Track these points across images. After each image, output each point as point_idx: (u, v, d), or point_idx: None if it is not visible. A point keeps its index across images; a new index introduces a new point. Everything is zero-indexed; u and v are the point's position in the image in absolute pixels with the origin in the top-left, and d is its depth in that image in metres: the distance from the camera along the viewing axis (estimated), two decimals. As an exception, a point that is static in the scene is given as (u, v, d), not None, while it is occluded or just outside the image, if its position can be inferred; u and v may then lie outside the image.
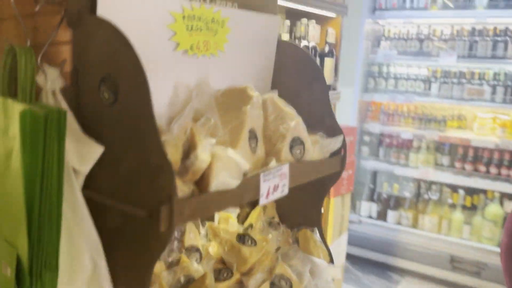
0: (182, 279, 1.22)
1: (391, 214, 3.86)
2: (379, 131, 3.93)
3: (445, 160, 3.75)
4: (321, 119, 1.43)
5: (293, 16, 2.37)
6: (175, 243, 1.33)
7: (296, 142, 1.25)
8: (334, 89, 2.46)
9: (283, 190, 1.17)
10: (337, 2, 2.35)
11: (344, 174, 2.73)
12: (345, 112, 3.75)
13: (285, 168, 1.15)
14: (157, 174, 0.86)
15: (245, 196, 1.04)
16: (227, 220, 1.46)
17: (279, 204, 1.58)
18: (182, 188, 0.93)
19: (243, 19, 1.35)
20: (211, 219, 1.44)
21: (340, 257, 2.90)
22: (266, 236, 1.43)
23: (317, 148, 1.32)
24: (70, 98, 0.98)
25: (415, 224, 3.80)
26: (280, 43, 1.49)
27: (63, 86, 0.98)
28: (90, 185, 0.96)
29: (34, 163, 0.85)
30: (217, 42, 1.28)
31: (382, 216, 3.92)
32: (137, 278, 0.94)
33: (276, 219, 1.57)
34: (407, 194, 3.94)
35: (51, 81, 0.96)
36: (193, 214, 0.90)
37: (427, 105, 3.85)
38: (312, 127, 1.40)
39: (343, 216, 2.81)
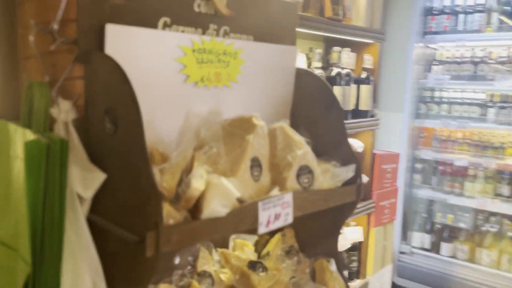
0: (190, 304, 1.25)
1: (445, 246, 3.64)
2: (432, 158, 3.76)
3: (505, 189, 3.50)
4: (337, 147, 1.42)
5: (329, 42, 2.38)
6: (188, 268, 1.36)
7: (304, 170, 1.25)
8: (373, 116, 2.42)
9: (287, 219, 1.17)
10: (374, 29, 2.33)
11: (386, 203, 2.64)
12: (393, 138, 3.64)
13: (288, 197, 1.15)
14: (146, 201, 0.90)
15: (241, 224, 1.05)
16: (242, 247, 1.47)
17: (298, 232, 1.57)
18: (175, 215, 0.96)
19: (258, 50, 1.39)
20: (226, 245, 1.46)
21: (383, 290, 2.79)
22: (281, 264, 1.42)
23: (328, 176, 1.31)
24: (80, 129, 1.06)
25: (471, 258, 3.56)
26: (298, 71, 1.51)
27: (76, 117, 1.07)
28: (92, 209, 1.02)
29: (37, 188, 0.92)
30: (229, 73, 1.33)
31: (435, 247, 3.71)
32: (132, 300, 0.97)
33: (296, 248, 1.56)
34: (463, 225, 3.70)
35: (64, 112, 1.05)
36: (181, 240, 0.93)
37: (483, 131, 3.64)
38: (328, 155, 1.40)
39: (385, 247, 2.71)
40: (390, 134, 3.68)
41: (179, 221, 0.96)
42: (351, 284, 2.43)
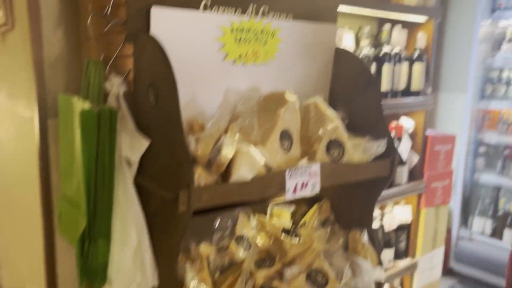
0: (226, 263, 1.37)
1: (508, 233, 3.50)
2: (497, 141, 3.60)
3: None
4: (373, 125, 1.46)
5: (382, 21, 2.36)
6: (227, 232, 1.49)
7: (334, 144, 1.31)
8: (426, 94, 2.38)
9: (314, 188, 1.24)
10: (427, 7, 2.28)
11: (439, 185, 2.61)
12: (454, 120, 3.53)
13: (315, 167, 1.23)
14: (180, 165, 1.02)
15: (268, 190, 1.14)
16: (280, 216, 1.56)
17: (334, 205, 1.63)
18: (206, 178, 1.08)
19: (296, 29, 1.46)
20: (264, 212, 1.56)
21: (434, 272, 2.76)
22: (314, 234, 1.50)
23: (359, 151, 1.36)
24: (129, 101, 1.20)
25: (536, 247, 3.39)
26: (337, 50, 1.55)
27: (125, 90, 1.21)
28: (137, 172, 1.16)
29: (91, 152, 1.08)
30: (267, 51, 1.41)
31: (497, 234, 3.57)
32: (169, 253, 1.11)
33: (331, 219, 1.63)
34: (529, 212, 3.53)
35: (116, 86, 1.20)
36: (211, 200, 1.05)
37: (556, 114, 3.41)
38: (363, 132, 1.44)
39: (436, 229, 2.68)
40: (450, 116, 3.56)
41: (210, 183, 1.07)
42: (399, 262, 2.45)
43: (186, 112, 1.20)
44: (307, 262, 1.39)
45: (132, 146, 1.16)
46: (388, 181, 1.44)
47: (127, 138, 1.16)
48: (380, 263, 1.47)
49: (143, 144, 1.15)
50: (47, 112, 1.42)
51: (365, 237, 1.48)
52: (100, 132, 1.07)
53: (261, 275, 1.35)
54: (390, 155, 1.41)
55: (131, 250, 1.15)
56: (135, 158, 1.16)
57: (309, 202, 1.69)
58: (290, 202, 1.64)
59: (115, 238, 1.15)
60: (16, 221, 1.95)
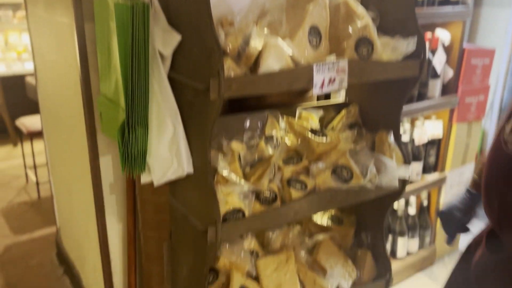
0: (256, 158, 1.46)
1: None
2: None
3: None
4: (403, 24, 1.44)
5: None
6: (257, 132, 1.56)
7: (363, 41, 1.31)
8: (465, 3, 2.28)
9: (341, 84, 1.27)
10: None
11: (473, 100, 2.56)
12: (496, 36, 3.37)
13: (343, 63, 1.25)
14: (210, 55, 1.07)
15: (295, 83, 1.18)
16: (308, 119, 1.61)
17: (362, 108, 1.66)
18: (235, 69, 1.13)
19: None
20: (292, 116, 1.61)
21: (463, 187, 2.79)
22: (341, 135, 1.55)
23: (389, 50, 1.36)
24: (161, -3, 1.23)
25: None
26: None
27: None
28: (171, 66, 1.22)
29: (126, 45, 1.13)
30: None
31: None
32: (202, 141, 1.19)
33: (359, 123, 1.66)
34: None
35: (148, -17, 1.22)
36: (240, 89, 1.10)
37: None
38: (394, 32, 1.43)
39: (468, 145, 2.67)
40: (492, 31, 3.40)
41: (239, 74, 1.12)
42: (428, 176, 2.49)
43: (216, 10, 1.23)
44: (333, 160, 1.45)
45: (164, 41, 1.21)
46: (417, 82, 1.44)
47: (159, 33, 1.21)
48: (406, 162, 1.51)
49: (176, 38, 1.19)
50: (84, 17, 1.48)
51: (391, 138, 1.51)
52: (134, 25, 1.12)
53: (289, 169, 1.42)
54: (420, 55, 1.40)
55: (168, 138, 1.24)
56: (168, 52, 1.21)
57: (337, 108, 1.72)
58: (318, 107, 1.68)
59: (152, 128, 1.23)
60: (62, 126, 2.09)
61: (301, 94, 1.68)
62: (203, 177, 1.21)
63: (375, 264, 1.69)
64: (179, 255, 1.47)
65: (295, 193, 1.36)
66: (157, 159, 1.26)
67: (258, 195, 1.33)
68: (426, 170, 2.50)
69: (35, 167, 3.37)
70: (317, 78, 1.21)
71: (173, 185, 1.42)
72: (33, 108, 3.27)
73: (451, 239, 1.32)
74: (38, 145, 3.49)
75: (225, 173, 1.29)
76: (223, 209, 1.22)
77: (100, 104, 1.51)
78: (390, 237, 2.44)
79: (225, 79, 1.06)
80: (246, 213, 1.26)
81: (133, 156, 1.24)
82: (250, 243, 1.52)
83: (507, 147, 1.03)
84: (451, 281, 1.32)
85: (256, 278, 1.46)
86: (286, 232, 1.62)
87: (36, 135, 3.21)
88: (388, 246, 2.45)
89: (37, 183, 3.37)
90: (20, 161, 3.82)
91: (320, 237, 1.59)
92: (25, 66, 4.29)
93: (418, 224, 2.53)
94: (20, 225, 3.03)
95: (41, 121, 2.51)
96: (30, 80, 3.92)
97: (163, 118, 1.23)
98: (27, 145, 3.77)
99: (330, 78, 1.24)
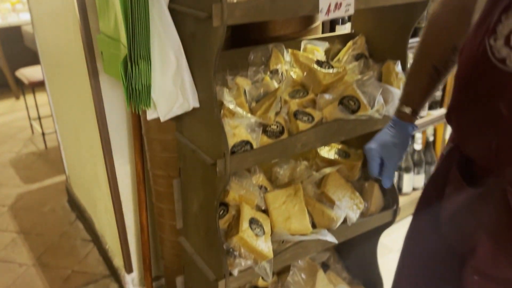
0: (262, 93, 1.44)
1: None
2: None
3: None
4: None
5: None
6: (262, 67, 1.53)
7: (369, -36, 1.26)
8: None
9: (348, 10, 1.23)
10: None
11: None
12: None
13: (349, -13, 1.20)
14: (212, -22, 1.02)
15: (301, 9, 1.14)
16: (313, 52, 1.58)
17: (369, 41, 1.62)
18: (238, -5, 1.08)
19: None
20: (297, 48, 1.58)
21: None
22: (347, 66, 1.52)
23: (396, -28, 1.30)
24: None
25: None
26: None
27: None
28: (171, -5, 1.18)
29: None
30: None
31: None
32: (206, 72, 1.17)
33: (365, 54, 1.63)
34: None
35: None
36: (244, 16, 1.06)
37: None
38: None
39: (475, 79, 2.63)
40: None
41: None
42: (433, 112, 2.47)
43: None
44: (340, 91, 1.43)
45: (163, -30, 1.16)
46: (426, 6, 1.39)
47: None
48: (412, 92, 1.49)
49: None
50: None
51: (398, 67, 1.48)
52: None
53: (295, 102, 1.41)
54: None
55: (171, 72, 1.22)
56: (167, -18, 1.17)
57: (343, 39, 1.68)
58: (323, 39, 1.64)
59: (155, 61, 1.21)
60: (64, 73, 2.06)
61: (306, 26, 1.63)
62: (210, 110, 1.20)
63: (382, 196, 1.71)
64: (189, 192, 1.49)
65: (302, 125, 1.35)
66: (162, 93, 1.24)
67: (265, 129, 1.32)
68: (432, 105, 2.48)
69: (39, 118, 3.37)
70: (323, 3, 1.17)
71: (179, 122, 1.41)
72: (32, 58, 3.23)
73: None
74: (41, 97, 3.48)
75: (231, 106, 1.28)
76: (231, 141, 1.22)
77: (101, 42, 1.48)
78: (396, 173, 2.46)
79: (228, 4, 1.02)
80: (254, 145, 1.26)
81: (138, 91, 1.22)
82: (258, 178, 1.54)
83: (505, 64, 0.75)
84: (417, 228, 1.13)
85: (265, 211, 1.49)
86: (294, 167, 1.63)
87: (37, 85, 3.19)
88: (394, 182, 2.48)
89: (43, 134, 3.38)
90: (24, 113, 3.82)
91: (327, 170, 1.60)
92: (20, 17, 4.19)
93: (424, 159, 2.54)
94: (30, 174, 3.08)
95: (42, 71, 2.48)
96: (27, 28, 3.85)
97: (165, 51, 1.20)
98: (29, 98, 3.76)
99: (337, 3, 1.20)
